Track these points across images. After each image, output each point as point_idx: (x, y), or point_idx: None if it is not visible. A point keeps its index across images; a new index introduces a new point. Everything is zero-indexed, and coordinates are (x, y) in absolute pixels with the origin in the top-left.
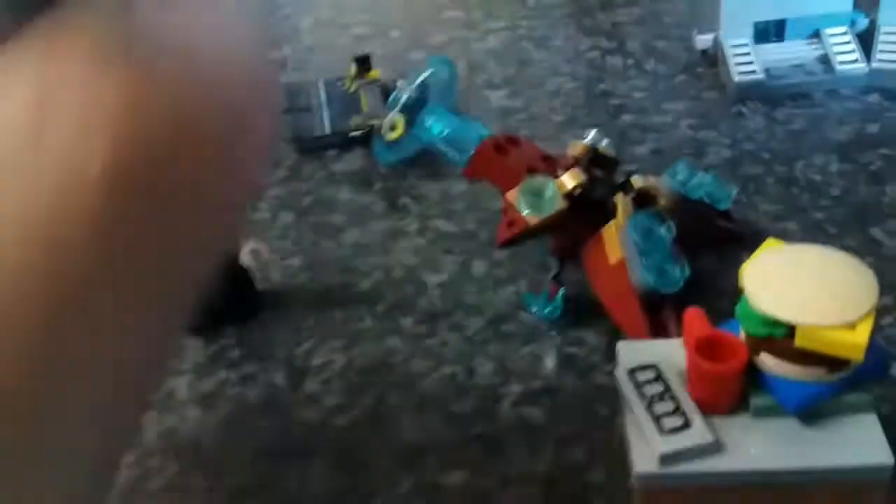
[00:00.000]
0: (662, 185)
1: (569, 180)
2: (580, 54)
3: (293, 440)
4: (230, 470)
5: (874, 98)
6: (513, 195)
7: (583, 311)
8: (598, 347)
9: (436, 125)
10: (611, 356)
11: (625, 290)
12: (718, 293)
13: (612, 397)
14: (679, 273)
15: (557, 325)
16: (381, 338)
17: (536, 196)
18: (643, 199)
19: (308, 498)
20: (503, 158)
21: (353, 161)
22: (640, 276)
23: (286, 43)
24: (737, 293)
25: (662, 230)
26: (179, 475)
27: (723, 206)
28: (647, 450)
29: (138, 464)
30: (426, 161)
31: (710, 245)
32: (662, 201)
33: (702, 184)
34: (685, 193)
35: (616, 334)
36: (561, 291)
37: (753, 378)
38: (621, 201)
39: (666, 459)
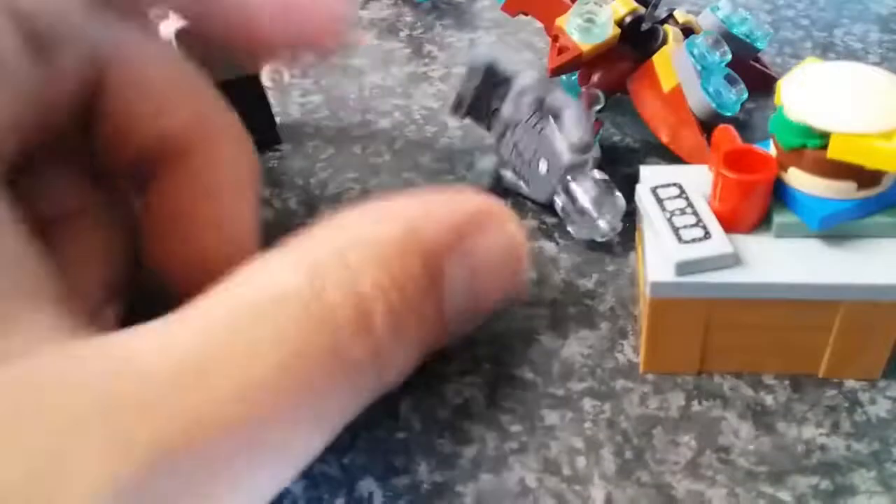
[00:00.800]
0: (704, 19)
1: (620, 6)
2: None
3: None
4: None
5: None
6: (563, 20)
7: (609, 153)
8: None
9: None
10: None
11: (683, 117)
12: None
13: (629, 237)
14: (736, 96)
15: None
16: (397, 172)
17: (589, 22)
18: (686, 33)
19: None
20: None
21: (380, 8)
22: (698, 99)
23: None
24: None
25: (717, 54)
26: None
27: (760, 46)
28: (663, 260)
29: None
30: (455, 11)
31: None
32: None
33: (744, 20)
34: (727, 27)
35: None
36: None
37: (779, 195)
38: (671, 30)
39: (682, 267)
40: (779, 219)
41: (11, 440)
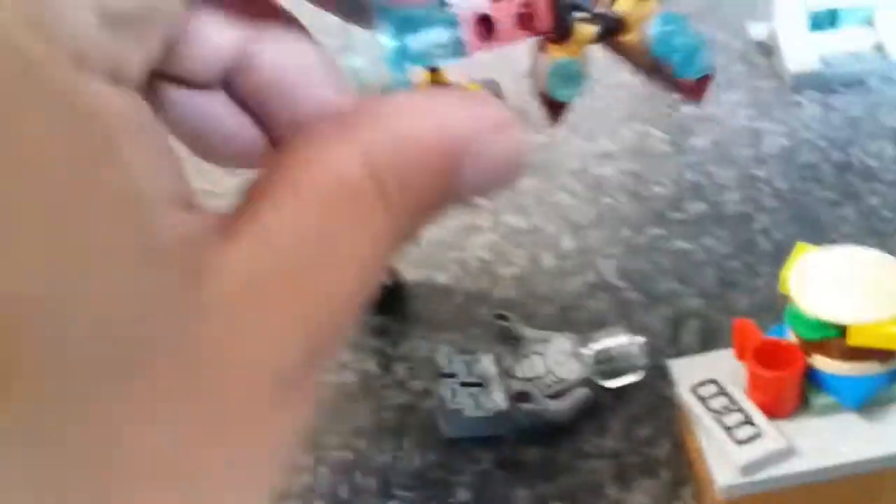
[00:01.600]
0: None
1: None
2: None
3: (384, 420)
4: (331, 446)
5: None
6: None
7: (640, 302)
8: (662, 334)
9: None
10: (675, 340)
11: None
12: (747, 293)
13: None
14: (706, 58)
15: (623, 314)
16: (460, 327)
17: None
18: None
19: (400, 472)
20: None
21: None
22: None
23: None
24: (756, 290)
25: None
26: None
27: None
28: (725, 461)
29: None
30: None
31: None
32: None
33: (672, 46)
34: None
35: (678, 322)
36: None
37: (809, 378)
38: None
39: (746, 469)
40: (815, 401)
41: None
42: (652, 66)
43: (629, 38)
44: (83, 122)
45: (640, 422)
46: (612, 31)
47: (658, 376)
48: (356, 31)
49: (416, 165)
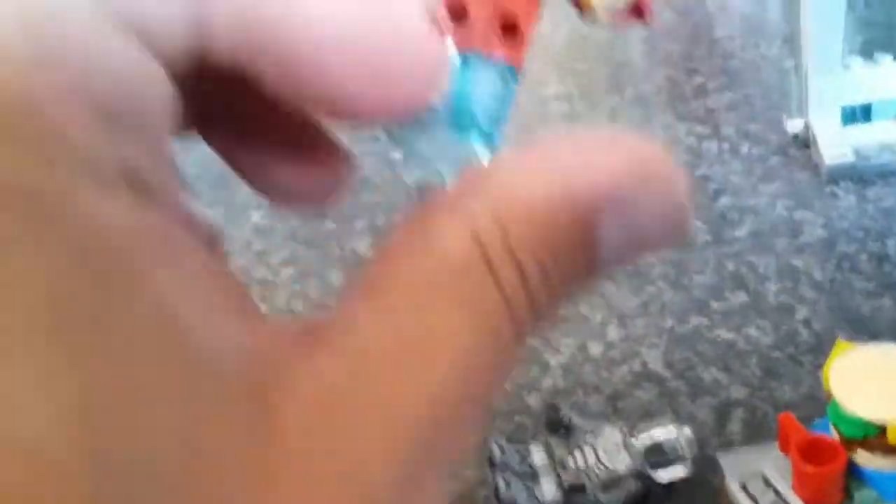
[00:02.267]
0: None
1: None
2: (678, 140)
3: None
4: None
5: None
6: None
7: (685, 391)
8: (708, 423)
9: None
10: (721, 430)
11: None
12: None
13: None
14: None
15: (670, 403)
16: (510, 416)
17: None
18: None
19: None
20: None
21: None
22: None
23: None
24: (800, 381)
25: None
26: None
27: None
28: None
29: None
30: None
31: None
32: None
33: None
34: None
35: (723, 412)
36: None
37: (851, 472)
38: None
39: None
40: (859, 495)
41: None
42: None
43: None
44: (102, 255)
45: None
46: None
47: (706, 467)
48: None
49: (537, 229)
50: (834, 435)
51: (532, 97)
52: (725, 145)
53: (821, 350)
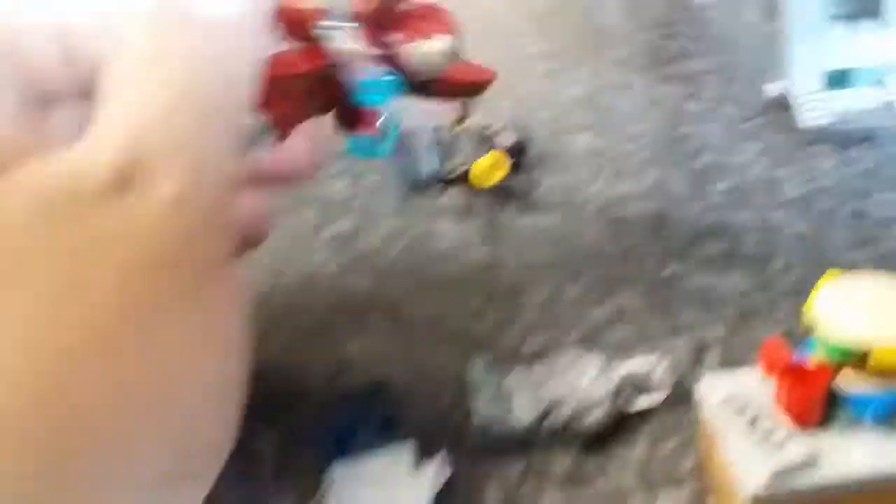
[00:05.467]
0: None
1: None
2: (660, 101)
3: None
4: None
5: None
6: None
7: (663, 330)
8: (685, 360)
9: None
10: (695, 367)
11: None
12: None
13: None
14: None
15: (647, 341)
16: (487, 348)
17: None
18: None
19: None
20: None
21: (454, 196)
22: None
23: None
24: (777, 323)
25: None
26: None
27: None
28: (752, 471)
29: None
30: (520, 197)
31: None
32: None
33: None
34: None
35: (700, 349)
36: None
37: (833, 395)
38: None
39: (773, 478)
40: (840, 416)
41: None
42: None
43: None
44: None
45: (664, 438)
46: None
47: (681, 397)
48: None
49: None
50: (817, 359)
51: (517, 54)
52: (706, 106)
53: (798, 295)
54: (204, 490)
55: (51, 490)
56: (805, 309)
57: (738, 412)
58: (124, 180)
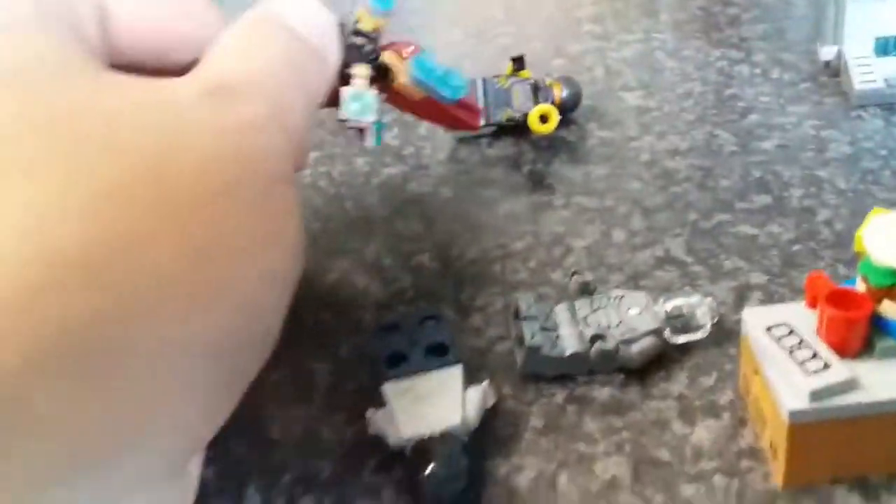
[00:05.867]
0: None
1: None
2: (710, 63)
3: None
4: None
5: None
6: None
7: (706, 275)
8: (727, 302)
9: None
10: (737, 310)
11: (444, 108)
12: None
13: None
14: (460, 79)
15: (691, 284)
16: (534, 286)
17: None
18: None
19: None
20: None
21: (504, 147)
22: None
23: (440, 51)
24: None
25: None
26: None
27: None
28: (793, 390)
29: None
30: (570, 148)
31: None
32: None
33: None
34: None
35: (742, 294)
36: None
37: (875, 323)
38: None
39: (814, 395)
40: (880, 344)
41: None
42: (426, 101)
43: (400, 82)
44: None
45: (704, 372)
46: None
47: (722, 336)
48: None
49: None
50: (862, 288)
51: (566, 17)
52: (757, 70)
53: (840, 246)
54: (248, 379)
55: (118, 336)
56: (855, 239)
57: (781, 340)
58: (210, 93)
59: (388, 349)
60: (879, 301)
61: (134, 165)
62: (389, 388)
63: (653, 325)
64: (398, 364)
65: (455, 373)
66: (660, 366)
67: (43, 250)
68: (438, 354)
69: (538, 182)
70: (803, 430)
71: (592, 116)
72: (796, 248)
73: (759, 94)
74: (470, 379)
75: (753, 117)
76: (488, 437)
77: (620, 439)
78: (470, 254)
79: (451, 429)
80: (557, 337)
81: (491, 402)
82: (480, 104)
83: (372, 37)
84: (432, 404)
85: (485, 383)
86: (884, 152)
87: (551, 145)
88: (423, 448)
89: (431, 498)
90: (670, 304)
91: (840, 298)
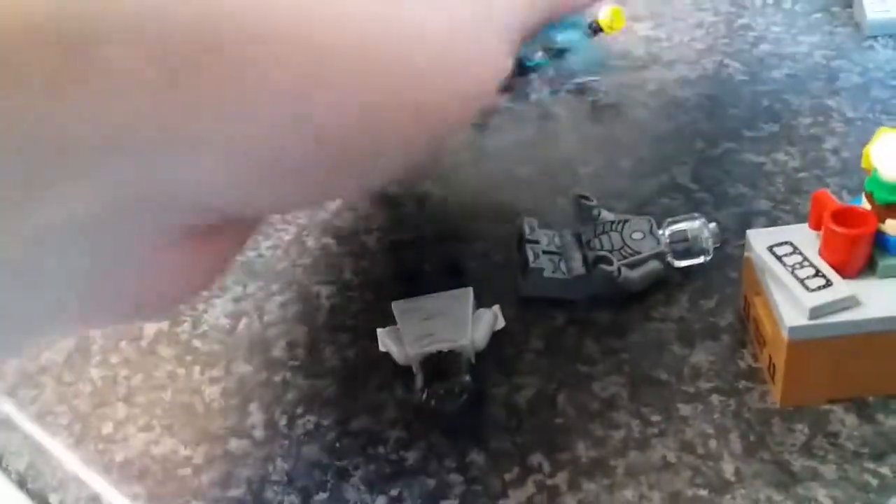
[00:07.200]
0: None
1: None
2: None
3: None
4: None
5: None
6: None
7: (711, 202)
8: (731, 228)
9: None
10: (741, 235)
11: None
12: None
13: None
14: None
15: (696, 210)
16: (539, 213)
17: None
18: None
19: None
20: None
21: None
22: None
23: None
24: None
25: None
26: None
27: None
28: (794, 306)
29: None
30: (577, 78)
31: None
32: None
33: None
34: None
35: (747, 220)
36: None
37: (880, 245)
38: None
39: (814, 312)
40: (882, 263)
41: None
42: None
43: None
44: None
45: (705, 295)
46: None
47: (725, 260)
48: None
49: None
50: (867, 207)
51: None
52: (767, 1)
53: (846, 173)
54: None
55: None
56: (863, 156)
57: (783, 259)
58: None
59: (398, 269)
60: (883, 220)
61: None
62: (398, 307)
63: (656, 248)
64: (409, 282)
65: (465, 293)
66: (661, 289)
67: None
68: (450, 275)
69: (542, 112)
70: (802, 347)
71: (601, 46)
72: (802, 175)
73: (770, 23)
74: (479, 300)
75: (764, 47)
76: (490, 357)
77: (619, 360)
78: (476, 180)
79: (458, 347)
80: (560, 260)
81: (500, 325)
82: None
83: None
84: (441, 323)
85: (496, 307)
86: (894, 82)
87: (558, 74)
88: (430, 365)
89: (434, 414)
90: (673, 229)
91: (844, 216)
